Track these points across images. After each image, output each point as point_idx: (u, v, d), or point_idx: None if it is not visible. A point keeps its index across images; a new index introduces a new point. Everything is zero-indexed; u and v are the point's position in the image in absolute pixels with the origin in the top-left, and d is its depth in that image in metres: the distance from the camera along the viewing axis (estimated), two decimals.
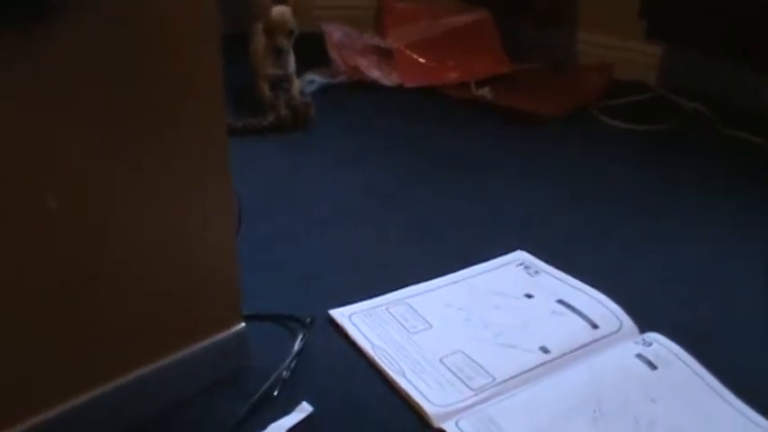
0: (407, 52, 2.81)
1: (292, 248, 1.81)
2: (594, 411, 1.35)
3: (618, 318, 1.56)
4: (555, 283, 1.68)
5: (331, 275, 1.72)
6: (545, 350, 1.48)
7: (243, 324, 1.42)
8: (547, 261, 1.75)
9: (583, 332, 1.53)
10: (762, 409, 1.38)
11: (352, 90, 2.73)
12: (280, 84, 2.48)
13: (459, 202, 2.04)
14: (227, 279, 1.38)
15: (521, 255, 1.78)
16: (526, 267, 1.73)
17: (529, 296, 1.64)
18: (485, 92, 2.61)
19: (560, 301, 1.61)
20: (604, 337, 1.52)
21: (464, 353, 1.47)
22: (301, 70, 2.63)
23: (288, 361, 1.44)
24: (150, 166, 1.20)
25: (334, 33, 2.77)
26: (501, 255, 1.78)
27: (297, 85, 2.52)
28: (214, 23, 1.21)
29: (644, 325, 1.55)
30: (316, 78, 2.68)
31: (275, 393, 1.38)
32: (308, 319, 1.55)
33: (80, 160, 1.11)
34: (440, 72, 2.79)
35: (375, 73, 2.73)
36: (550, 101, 2.60)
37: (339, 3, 3.11)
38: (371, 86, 2.73)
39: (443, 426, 1.31)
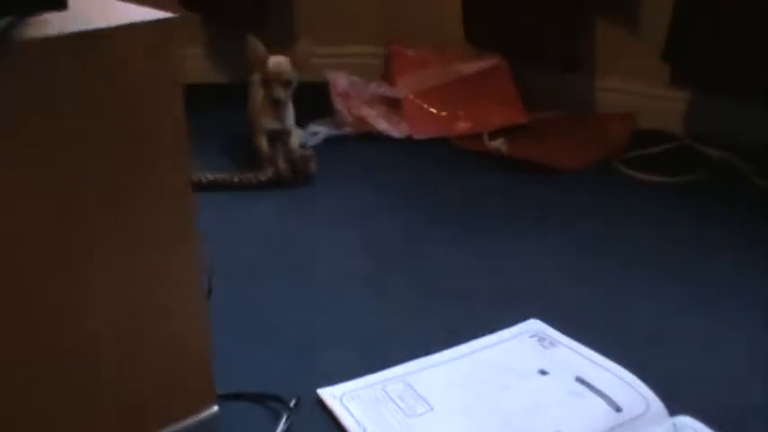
0: (417, 101, 2.66)
1: (282, 316, 1.66)
2: None
3: (644, 398, 1.38)
4: (573, 357, 1.50)
5: (324, 347, 1.56)
6: None
7: (215, 408, 1.25)
8: (563, 331, 1.57)
9: (604, 416, 1.34)
10: None
11: (358, 142, 2.58)
12: (278, 137, 2.34)
13: (467, 263, 1.87)
14: (196, 356, 1.22)
15: (534, 324, 1.60)
16: (540, 339, 1.55)
17: (543, 373, 1.46)
18: (499, 143, 2.45)
19: (579, 380, 1.43)
20: (629, 421, 1.34)
21: None
22: (305, 121, 2.48)
23: None
24: (103, 230, 1.04)
25: (339, 82, 2.62)
26: (512, 323, 1.60)
27: (296, 137, 2.38)
28: (179, 81, 1.07)
29: (674, 406, 1.37)
30: (319, 130, 2.53)
31: None
32: (294, 401, 1.38)
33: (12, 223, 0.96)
34: (451, 122, 2.63)
35: (382, 124, 2.58)
36: (569, 153, 2.44)
37: (342, 51, 2.98)
38: (378, 138, 2.58)
39: None
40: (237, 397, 1.38)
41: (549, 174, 2.32)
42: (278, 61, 2.29)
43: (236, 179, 2.22)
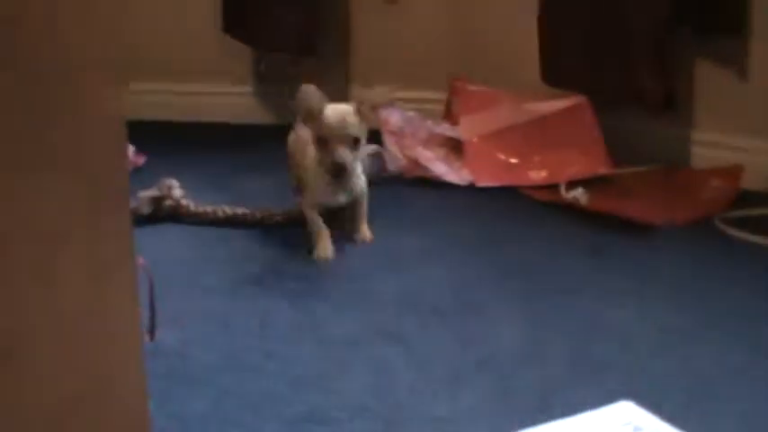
0: (482, 145, 2.29)
1: (296, 380, 1.29)
2: None
3: None
4: None
5: (343, 424, 1.17)
6: None
7: None
8: (662, 416, 1.16)
9: None
10: None
11: (411, 186, 2.22)
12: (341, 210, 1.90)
13: (536, 328, 1.48)
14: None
15: (626, 407, 1.19)
16: (636, 428, 1.14)
17: None
18: (577, 193, 2.06)
19: None
20: None
21: None
22: None
23: None
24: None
25: (392, 118, 2.27)
26: (596, 406, 1.19)
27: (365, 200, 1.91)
28: None
29: None
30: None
31: None
32: None
33: None
34: (522, 171, 2.26)
35: (440, 167, 2.22)
36: (662, 209, 2.04)
37: (404, 95, 2.53)
38: (435, 184, 2.22)
39: None
40: None
41: (636, 230, 1.92)
42: (341, 112, 1.76)
43: (258, 215, 1.90)
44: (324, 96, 1.76)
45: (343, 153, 1.72)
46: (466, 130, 2.31)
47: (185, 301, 1.55)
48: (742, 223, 1.95)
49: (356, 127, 1.74)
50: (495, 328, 1.48)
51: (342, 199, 1.83)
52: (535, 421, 1.15)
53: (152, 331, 1.29)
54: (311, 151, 1.80)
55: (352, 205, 1.86)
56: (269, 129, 2.67)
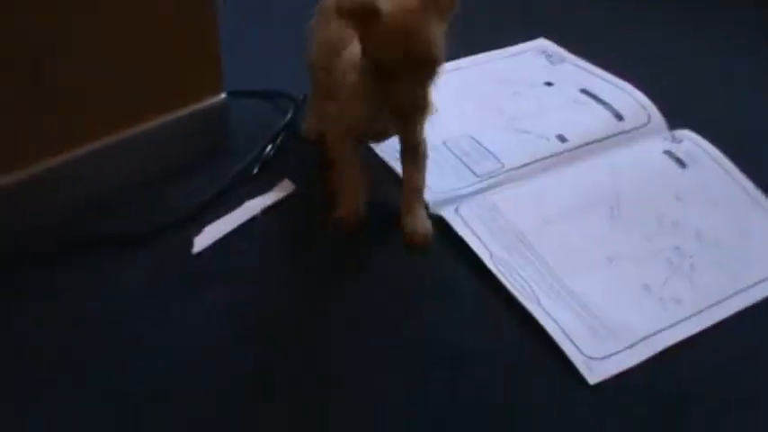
0: None
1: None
2: (612, 208, 1.21)
3: (646, 110, 1.39)
4: (579, 72, 1.50)
5: None
6: (562, 139, 1.32)
7: (223, 95, 1.27)
8: (572, 51, 1.56)
9: (606, 123, 1.36)
10: None
11: None
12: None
13: None
14: (206, 44, 1.21)
15: (543, 43, 1.59)
16: (548, 56, 1.55)
17: (549, 84, 1.46)
18: None
19: (583, 91, 1.44)
20: (630, 130, 1.36)
21: (472, 137, 1.32)
22: None
23: (271, 138, 1.30)
24: None
25: None
26: (521, 42, 1.59)
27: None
28: None
29: (675, 122, 1.38)
30: None
31: (255, 171, 1.24)
32: (302, 96, 1.39)
33: None
34: None
35: None
36: None
37: None
38: None
39: (442, 212, 1.17)
40: (248, 94, 1.39)
41: None
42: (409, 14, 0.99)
43: None
44: None
45: (417, 90, 1.02)
46: None
47: None
48: None
49: (438, 45, 1.01)
50: None
51: (391, 131, 1.17)
52: (474, 53, 1.53)
53: None
54: (351, 52, 1.09)
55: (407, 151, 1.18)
56: None
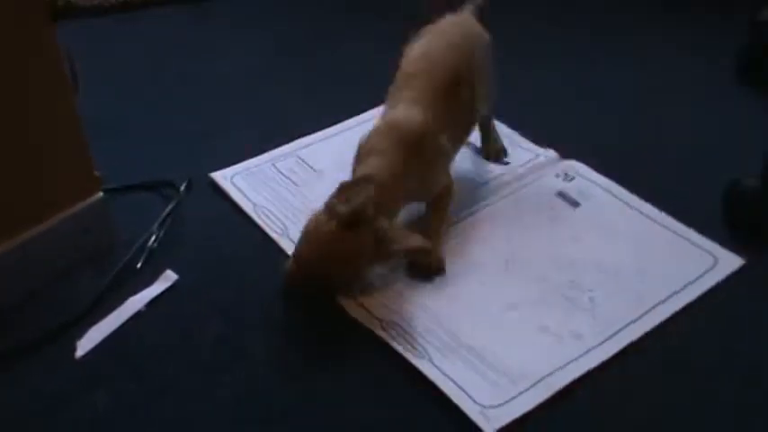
0: None
1: (186, 110, 1.61)
2: (507, 261, 1.22)
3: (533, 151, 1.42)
4: None
5: (217, 136, 1.52)
6: None
7: (100, 194, 1.24)
8: None
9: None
10: (699, 228, 1.25)
11: None
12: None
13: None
14: (72, 149, 1.19)
15: None
16: None
17: None
18: None
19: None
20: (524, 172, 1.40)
21: None
22: None
23: (153, 229, 1.27)
24: None
25: None
26: None
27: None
28: None
29: (565, 151, 1.42)
30: None
31: (138, 266, 1.22)
32: (184, 184, 1.37)
33: None
34: None
35: None
36: None
37: None
38: None
39: None
40: (128, 188, 1.37)
41: None
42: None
43: None
44: None
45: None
46: None
47: None
48: None
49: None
50: (337, 53, 1.80)
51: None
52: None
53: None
54: None
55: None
56: None
